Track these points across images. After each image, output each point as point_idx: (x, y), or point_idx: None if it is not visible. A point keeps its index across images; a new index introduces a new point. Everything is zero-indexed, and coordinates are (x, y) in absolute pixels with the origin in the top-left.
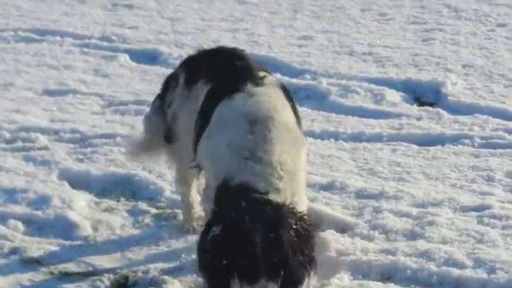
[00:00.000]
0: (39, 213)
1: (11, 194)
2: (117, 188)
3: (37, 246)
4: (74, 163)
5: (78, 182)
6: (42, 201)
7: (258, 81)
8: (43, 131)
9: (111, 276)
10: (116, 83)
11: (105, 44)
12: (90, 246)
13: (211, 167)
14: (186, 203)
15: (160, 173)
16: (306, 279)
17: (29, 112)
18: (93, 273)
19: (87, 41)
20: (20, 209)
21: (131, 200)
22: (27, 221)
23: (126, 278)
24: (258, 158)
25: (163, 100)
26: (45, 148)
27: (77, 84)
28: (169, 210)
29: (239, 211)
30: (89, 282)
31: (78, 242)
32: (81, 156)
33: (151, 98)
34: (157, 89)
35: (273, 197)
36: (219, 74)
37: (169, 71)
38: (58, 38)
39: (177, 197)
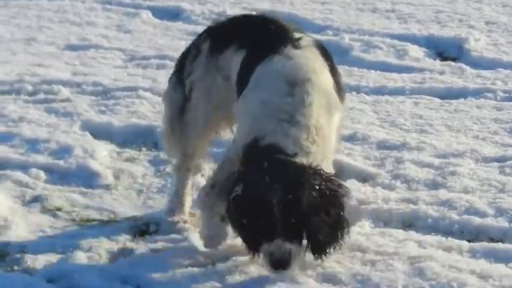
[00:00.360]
0: (61, 162)
1: (33, 144)
2: (139, 139)
3: (58, 195)
4: (96, 115)
5: (100, 132)
6: (64, 151)
7: (295, 43)
8: (65, 83)
9: (132, 223)
10: (138, 39)
11: (127, 0)
12: (111, 194)
13: (242, 125)
14: (181, 193)
15: None
16: (336, 240)
17: (51, 66)
18: (114, 220)
19: None
20: (42, 159)
21: (153, 150)
22: (49, 170)
23: (147, 225)
24: (295, 122)
25: (180, 74)
26: (68, 100)
27: (99, 40)
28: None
29: (261, 171)
30: (110, 229)
31: (100, 191)
32: (103, 108)
33: (173, 53)
34: (179, 44)
35: (300, 159)
36: (253, 39)
37: (191, 27)
38: None
39: None
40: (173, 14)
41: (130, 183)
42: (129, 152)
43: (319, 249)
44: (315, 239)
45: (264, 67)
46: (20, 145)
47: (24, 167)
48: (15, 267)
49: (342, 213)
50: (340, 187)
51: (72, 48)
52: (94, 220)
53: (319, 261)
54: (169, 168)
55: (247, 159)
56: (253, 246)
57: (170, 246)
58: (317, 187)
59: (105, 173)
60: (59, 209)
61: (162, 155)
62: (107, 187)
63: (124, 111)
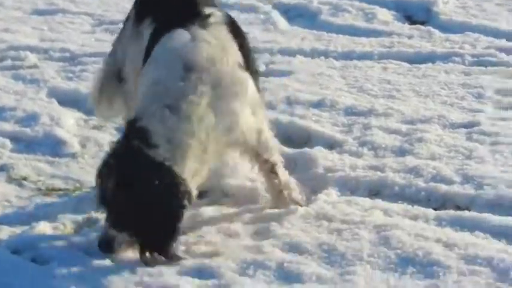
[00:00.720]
0: (27, 130)
1: (0, 112)
2: None
3: (24, 163)
4: (63, 81)
5: (67, 100)
6: (31, 118)
7: (202, 21)
8: (32, 49)
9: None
10: (106, 3)
11: None
12: (78, 163)
13: (137, 102)
14: None
15: None
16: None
17: (18, 31)
18: (80, 189)
19: None
20: (8, 127)
21: None
22: (15, 138)
23: None
24: (178, 109)
25: (118, 41)
26: (35, 66)
27: (67, 4)
28: None
29: (115, 154)
30: (76, 199)
31: (66, 159)
32: (71, 75)
33: None
34: None
35: (159, 152)
36: (164, 11)
37: None
38: None
39: None
40: None
41: (96, 152)
42: (96, 120)
43: (143, 250)
44: (141, 240)
45: (163, 45)
46: None
47: None
48: None
49: (171, 222)
50: (181, 197)
51: (40, 12)
52: (60, 189)
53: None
54: None
55: (120, 137)
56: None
57: None
58: (151, 188)
59: (72, 141)
60: (25, 178)
61: None
62: (74, 155)
63: (91, 77)
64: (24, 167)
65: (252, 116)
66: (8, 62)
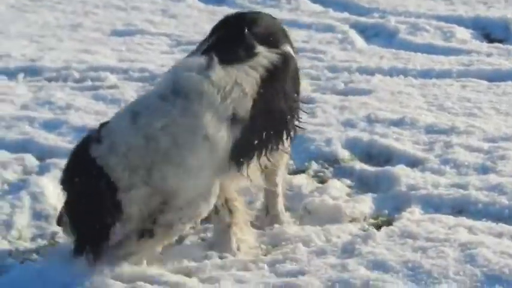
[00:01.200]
0: None
1: (81, 132)
2: None
3: None
4: None
5: None
6: None
7: (232, 59)
8: (112, 70)
9: None
10: (184, 23)
11: None
12: None
13: None
14: None
15: None
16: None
17: (97, 52)
18: None
19: None
20: None
21: None
22: None
23: None
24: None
25: None
26: (115, 87)
27: (145, 25)
28: None
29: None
30: None
31: None
32: None
33: None
34: None
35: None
36: (215, 38)
37: (235, 11)
38: None
39: None
40: None
41: None
42: None
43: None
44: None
45: (173, 69)
46: (67, 133)
47: None
48: None
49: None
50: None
51: (118, 33)
52: None
53: None
54: None
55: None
56: None
57: None
58: (81, 189)
59: None
60: None
61: None
62: None
63: None
64: None
65: None
66: (88, 83)
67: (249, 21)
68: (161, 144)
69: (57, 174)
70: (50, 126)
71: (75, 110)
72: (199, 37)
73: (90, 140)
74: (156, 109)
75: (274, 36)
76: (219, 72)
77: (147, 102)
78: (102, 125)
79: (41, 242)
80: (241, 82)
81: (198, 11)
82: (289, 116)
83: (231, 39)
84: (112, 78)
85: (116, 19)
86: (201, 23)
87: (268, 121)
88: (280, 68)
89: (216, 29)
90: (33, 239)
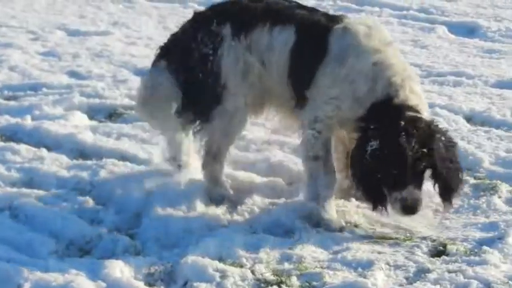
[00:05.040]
0: None
1: None
2: None
3: (355, 211)
4: None
5: None
6: None
7: (340, 17)
8: None
9: (429, 243)
10: (434, 54)
11: (423, 15)
12: None
13: (346, 89)
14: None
15: (479, 143)
16: (460, 184)
17: None
18: (410, 239)
19: (405, 12)
20: None
21: None
22: None
23: (444, 245)
24: (412, 77)
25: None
26: None
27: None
28: (488, 181)
29: (397, 128)
30: (407, 248)
31: None
32: None
33: (470, 70)
34: (476, 61)
35: (426, 114)
36: (288, 15)
37: (487, 44)
38: (376, 9)
39: (497, 168)
40: (469, 30)
41: (427, 203)
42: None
43: (449, 193)
44: (446, 185)
45: (344, 35)
46: None
47: None
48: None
49: (458, 161)
50: (453, 138)
51: None
52: (390, 238)
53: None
54: (466, 189)
55: (378, 117)
56: (380, 197)
57: (466, 268)
58: (443, 140)
59: None
60: (357, 226)
61: None
62: None
63: None
64: (355, 214)
65: None
66: None
67: None
68: None
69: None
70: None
71: None
72: (449, 68)
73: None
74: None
75: None
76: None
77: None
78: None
79: None
80: None
81: (448, 42)
82: None
83: None
84: None
85: None
86: (451, 54)
87: None
88: None
89: None
90: None
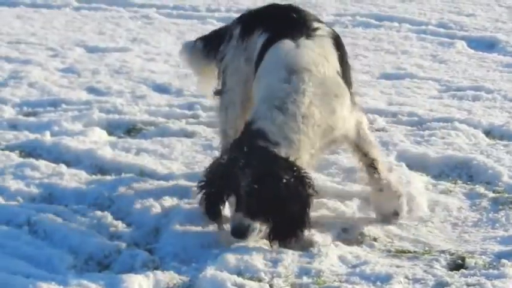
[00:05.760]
0: None
1: (351, 173)
2: (455, 171)
3: (375, 225)
4: (412, 145)
5: (416, 163)
6: None
7: (309, 32)
8: (381, 112)
9: (448, 256)
10: (453, 69)
11: (442, 30)
12: (426, 227)
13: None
14: None
15: (498, 157)
16: (292, 235)
17: (366, 94)
18: (429, 252)
19: (424, 27)
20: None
21: (468, 183)
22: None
23: (463, 259)
24: (285, 109)
25: (212, 42)
26: (383, 130)
27: (414, 69)
28: (507, 195)
29: (241, 153)
30: (425, 261)
31: (415, 222)
32: (419, 139)
33: (489, 85)
34: (495, 76)
35: (280, 149)
36: (274, 24)
37: (507, 59)
38: (395, 24)
39: None
40: (488, 45)
41: (445, 216)
42: (444, 184)
43: (276, 237)
44: (273, 227)
45: (272, 52)
46: (336, 173)
47: (340, 196)
48: None
49: (303, 211)
50: (309, 186)
51: (387, 77)
52: (409, 252)
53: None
54: (485, 203)
55: (239, 137)
56: (211, 210)
57: (485, 281)
58: (284, 181)
59: (421, 204)
60: (375, 239)
61: (478, 189)
62: (422, 219)
63: (440, 142)
64: (374, 229)
65: (351, 116)
66: None
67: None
68: (319, 120)
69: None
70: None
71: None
72: (468, 83)
73: (265, 147)
74: (288, 94)
75: None
76: (312, 45)
77: (275, 94)
78: (254, 130)
79: None
80: (328, 49)
81: (467, 57)
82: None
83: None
84: (381, 121)
85: (385, 62)
86: (470, 69)
87: (349, 80)
88: (338, 37)
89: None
90: None
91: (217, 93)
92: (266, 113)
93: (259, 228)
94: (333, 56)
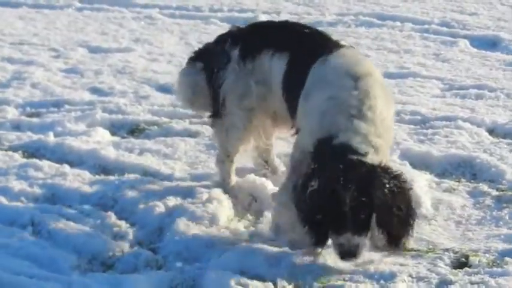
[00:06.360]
0: None
1: None
2: (458, 170)
3: None
4: (415, 144)
5: (419, 162)
6: None
7: (341, 45)
8: None
9: (451, 254)
10: (456, 68)
11: (444, 29)
12: (430, 225)
13: (309, 124)
14: (228, 184)
15: (501, 156)
16: (408, 232)
17: None
18: (433, 250)
19: (426, 26)
20: None
21: (471, 181)
22: None
23: (467, 257)
24: (363, 116)
25: (207, 63)
26: None
27: (417, 68)
28: (511, 193)
29: (336, 171)
30: (429, 260)
31: (418, 220)
32: (422, 137)
33: (492, 83)
34: (498, 74)
35: (370, 157)
36: (291, 43)
37: (510, 57)
38: (398, 23)
39: None
40: (491, 44)
41: (448, 214)
42: (447, 183)
43: (394, 241)
44: (389, 233)
45: (322, 66)
46: None
47: None
48: None
49: (410, 207)
50: (406, 182)
51: (390, 76)
52: (413, 250)
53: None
54: (488, 201)
55: (321, 156)
56: (320, 238)
57: (489, 279)
58: (387, 186)
59: (425, 203)
60: None
61: (481, 187)
62: (426, 217)
63: (443, 141)
64: None
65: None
66: None
67: None
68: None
69: None
70: None
71: None
72: (471, 82)
73: (359, 160)
74: (361, 100)
75: None
76: (356, 53)
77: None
78: (338, 146)
79: None
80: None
81: (470, 56)
82: None
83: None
84: None
85: (388, 61)
86: (473, 67)
87: None
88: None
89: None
90: None
91: (215, 115)
92: (346, 124)
93: (366, 242)
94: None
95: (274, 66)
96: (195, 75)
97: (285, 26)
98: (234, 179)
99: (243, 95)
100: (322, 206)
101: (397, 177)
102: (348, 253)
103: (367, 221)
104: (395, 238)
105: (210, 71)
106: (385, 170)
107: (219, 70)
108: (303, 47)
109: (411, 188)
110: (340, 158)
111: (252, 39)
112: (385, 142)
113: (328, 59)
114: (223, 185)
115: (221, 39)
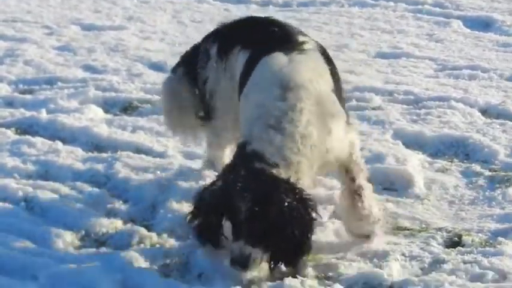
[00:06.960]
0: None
1: None
2: (451, 150)
3: None
4: (408, 124)
5: (412, 141)
6: (377, 158)
7: (298, 47)
8: (377, 91)
9: (444, 234)
10: (449, 48)
11: (438, 10)
12: (423, 204)
13: (240, 125)
14: (219, 164)
15: (494, 136)
16: (294, 260)
17: (362, 73)
18: (426, 230)
19: (420, 6)
20: None
21: (464, 161)
22: None
23: (460, 236)
24: (281, 128)
25: (189, 68)
26: (379, 108)
27: (410, 48)
28: (503, 173)
29: (237, 177)
30: (422, 239)
31: (411, 200)
32: (415, 117)
33: (485, 64)
34: (491, 55)
35: (279, 170)
36: (257, 40)
37: (503, 38)
38: (391, 3)
39: None
40: (484, 24)
41: (441, 194)
42: (440, 163)
43: (277, 261)
44: (275, 252)
45: (262, 68)
46: None
47: None
48: None
49: (305, 235)
50: (312, 209)
51: (384, 56)
52: (406, 229)
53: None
54: (481, 181)
55: (233, 160)
56: (212, 237)
57: (481, 258)
58: (286, 204)
59: (418, 182)
60: None
61: (474, 167)
62: (419, 197)
63: (436, 121)
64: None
65: (345, 137)
66: (353, 103)
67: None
68: (317, 139)
69: None
70: None
71: None
72: (464, 62)
73: (263, 169)
74: (284, 112)
75: None
76: (305, 60)
77: (270, 112)
78: (249, 152)
79: None
80: (321, 65)
81: (463, 36)
82: None
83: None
84: (377, 100)
85: (381, 41)
86: (466, 48)
87: (341, 96)
88: (326, 51)
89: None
90: None
91: (205, 118)
92: (261, 133)
93: (260, 256)
94: (326, 71)
95: (238, 63)
96: (177, 80)
97: (261, 23)
98: (226, 160)
99: (225, 93)
100: (216, 208)
101: (303, 200)
102: (237, 261)
103: (264, 234)
104: (277, 259)
105: (194, 73)
106: (292, 187)
107: (200, 69)
108: (263, 45)
109: (314, 219)
110: (247, 165)
111: (229, 36)
112: (306, 160)
113: (267, 62)
114: (215, 165)
115: (206, 37)
